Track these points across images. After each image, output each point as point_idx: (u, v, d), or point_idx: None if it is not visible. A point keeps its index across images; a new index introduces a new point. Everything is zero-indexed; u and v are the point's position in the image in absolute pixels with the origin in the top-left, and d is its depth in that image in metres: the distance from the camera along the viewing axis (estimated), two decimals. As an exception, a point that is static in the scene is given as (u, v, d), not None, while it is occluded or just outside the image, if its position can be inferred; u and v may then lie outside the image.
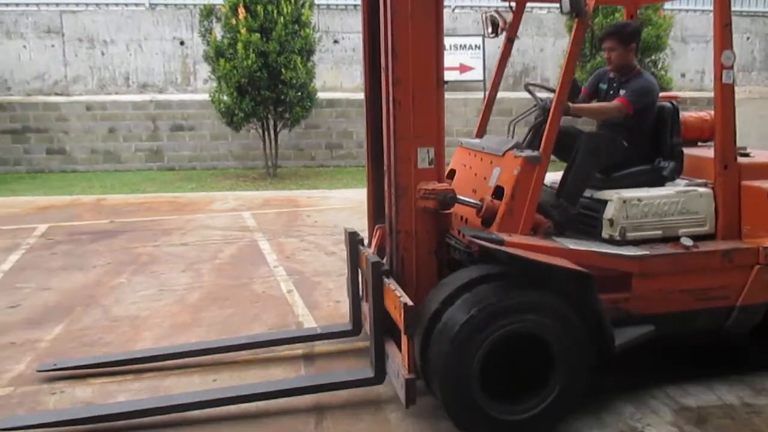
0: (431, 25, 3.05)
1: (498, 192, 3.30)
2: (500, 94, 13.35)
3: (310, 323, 4.36)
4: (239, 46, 9.33)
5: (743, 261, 3.39)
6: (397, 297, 2.84)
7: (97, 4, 11.62)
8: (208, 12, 10.05)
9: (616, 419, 3.15)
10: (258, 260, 5.93)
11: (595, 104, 3.89)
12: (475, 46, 12.08)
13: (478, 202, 3.30)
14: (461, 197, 3.24)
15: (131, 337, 4.17)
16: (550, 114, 3.23)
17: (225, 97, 9.83)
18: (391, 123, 3.07)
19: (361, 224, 5.15)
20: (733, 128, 3.48)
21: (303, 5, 9.89)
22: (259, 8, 9.41)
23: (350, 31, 12.11)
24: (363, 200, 8.46)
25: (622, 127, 3.73)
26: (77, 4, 11.56)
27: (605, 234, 3.40)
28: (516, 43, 13.98)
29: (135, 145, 11.48)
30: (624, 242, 3.37)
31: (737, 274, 3.40)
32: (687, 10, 12.83)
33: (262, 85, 9.63)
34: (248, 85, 9.57)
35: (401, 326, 2.80)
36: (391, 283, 3.02)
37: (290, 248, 6.32)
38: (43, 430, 2.98)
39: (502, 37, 4.06)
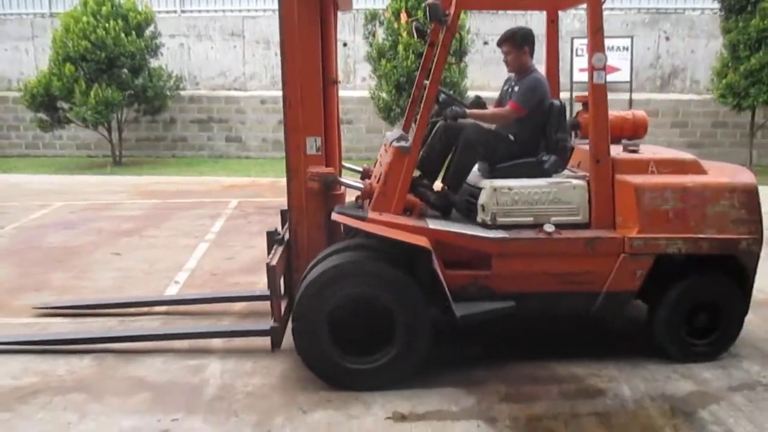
0: (315, 32, 3.55)
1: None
2: (647, 95, 13.69)
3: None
4: (400, 47, 10.29)
5: (608, 249, 3.60)
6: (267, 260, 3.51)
7: (273, 10, 13.08)
8: (372, 16, 11.12)
9: (742, 373, 3.62)
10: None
11: (489, 110, 4.09)
12: (623, 47, 12.26)
13: (360, 185, 3.81)
14: (343, 179, 3.80)
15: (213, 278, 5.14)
16: (421, 111, 3.62)
17: (383, 94, 10.83)
18: (287, 116, 3.58)
19: None
20: (605, 126, 3.68)
21: (459, 10, 10.65)
22: (420, 13, 10.29)
23: (499, 32, 12.69)
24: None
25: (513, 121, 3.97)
26: (257, 11, 13.12)
27: (479, 218, 3.71)
28: (666, 45, 13.85)
29: (300, 136, 12.83)
30: (495, 226, 3.65)
31: (602, 262, 3.61)
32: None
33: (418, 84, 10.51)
34: (406, 84, 10.50)
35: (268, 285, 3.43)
36: (277, 249, 3.68)
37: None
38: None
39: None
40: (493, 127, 4.07)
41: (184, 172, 11.18)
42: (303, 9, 3.48)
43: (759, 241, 3.66)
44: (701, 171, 3.79)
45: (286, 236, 3.90)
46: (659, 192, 3.60)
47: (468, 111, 3.85)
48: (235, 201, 8.57)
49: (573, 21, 12.67)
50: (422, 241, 3.35)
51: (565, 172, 3.96)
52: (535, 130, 3.95)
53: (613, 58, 12.29)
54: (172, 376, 3.58)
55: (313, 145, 3.61)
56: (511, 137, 3.98)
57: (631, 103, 12.25)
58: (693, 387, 3.49)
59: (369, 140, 12.76)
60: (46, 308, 4.57)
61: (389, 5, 10.63)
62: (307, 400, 3.32)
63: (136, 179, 10.46)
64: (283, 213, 4.39)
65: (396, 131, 4.27)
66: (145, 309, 4.60)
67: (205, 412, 3.21)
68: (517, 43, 4.02)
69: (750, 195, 3.64)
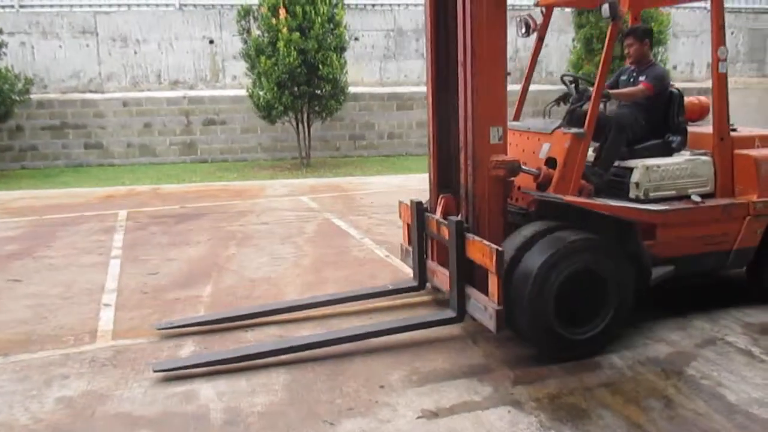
0: (501, 30, 3.76)
1: (549, 163, 4.08)
2: (511, 86, 14.67)
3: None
4: (280, 44, 10.04)
5: (737, 213, 4.26)
6: (486, 246, 3.55)
7: (128, 5, 12.17)
8: (245, 12, 10.72)
9: (700, 332, 4.03)
10: (342, 234, 6.70)
11: (625, 89, 4.57)
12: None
13: (536, 171, 4.08)
14: (524, 167, 4.00)
15: (278, 292, 4.90)
16: (592, 99, 4.01)
17: (263, 92, 10.50)
18: (469, 108, 3.77)
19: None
20: (726, 108, 4.34)
21: (336, 5, 10.63)
22: (298, 9, 10.13)
23: (370, 29, 12.88)
24: (402, 184, 9.44)
25: (640, 107, 4.53)
26: (110, 5, 12.09)
27: (632, 194, 4.17)
28: (522, 40, 14.78)
29: (170, 139, 12.08)
30: (647, 200, 4.14)
31: (733, 224, 4.27)
32: (678, 7, 13.90)
33: (301, 81, 10.36)
34: (288, 81, 10.28)
35: (493, 268, 3.47)
36: (474, 237, 3.72)
37: (364, 224, 7.10)
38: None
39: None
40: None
41: (44, 185, 10.05)
42: (491, 3, 3.68)
43: None
44: None
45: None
46: None
47: (609, 92, 4.26)
48: (123, 212, 7.86)
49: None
50: (634, 215, 3.93)
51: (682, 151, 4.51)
52: (659, 114, 4.51)
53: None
54: (164, 407, 3.22)
55: (495, 134, 3.78)
56: (642, 122, 4.45)
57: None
58: (668, 348, 3.81)
59: (245, 141, 12.33)
60: (171, 327, 4.17)
61: (265, 1, 10.31)
62: (327, 411, 3.15)
63: (-11, 196, 9.22)
64: (416, 204, 4.41)
65: (536, 120, 4.68)
66: (266, 319, 4.30)
67: (222, 440, 2.95)
68: (638, 36, 4.60)
69: None
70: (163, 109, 12.01)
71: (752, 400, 3.20)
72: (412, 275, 4.79)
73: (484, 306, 3.61)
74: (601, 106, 4.23)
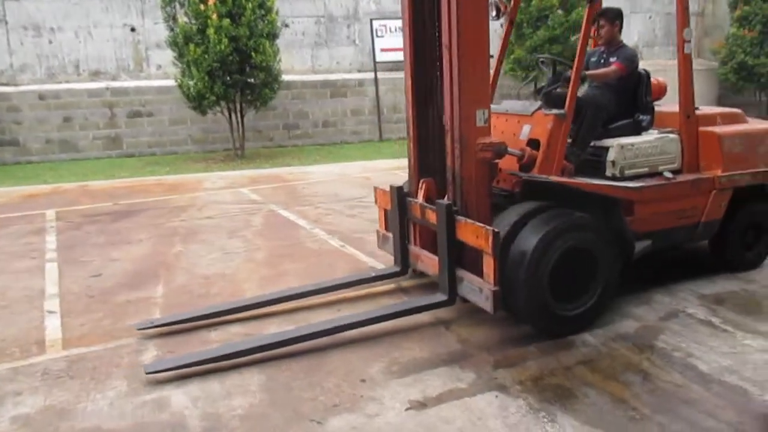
0: (485, 11, 3.77)
1: (532, 144, 4.13)
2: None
3: (380, 267, 5.07)
4: (210, 31, 9.65)
5: (704, 188, 4.47)
6: (481, 228, 3.55)
7: (40, -9, 11.37)
8: (171, -2, 10.23)
9: (661, 306, 4.16)
10: (291, 225, 6.52)
11: (600, 70, 4.69)
12: (418, 27, 12.93)
13: (520, 152, 4.11)
14: (509, 149, 4.01)
15: (235, 289, 4.70)
16: (572, 80, 4.08)
17: (193, 82, 10.08)
18: (455, 91, 3.72)
19: (357, 192, 5.90)
20: (692, 88, 4.52)
21: (267, -10, 10.32)
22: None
23: (299, 15, 12.58)
24: (343, 173, 9.32)
25: (610, 88, 4.66)
26: (20, -8, 11.26)
27: (609, 173, 4.29)
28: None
29: (92, 134, 11.44)
30: (623, 178, 4.28)
31: (701, 198, 4.47)
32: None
33: (233, 69, 10.02)
34: (220, 69, 9.91)
35: (489, 249, 3.47)
36: (465, 220, 3.70)
37: (312, 214, 6.94)
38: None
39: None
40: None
41: (-44, 186, 9.30)
42: None
43: None
44: (745, 120, 4.83)
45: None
46: (733, 138, 4.53)
47: (586, 73, 4.38)
48: (50, 212, 7.36)
49: (369, 3, 13.03)
50: (620, 193, 4.06)
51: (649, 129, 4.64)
52: (628, 94, 4.63)
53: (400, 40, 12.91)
54: (135, 418, 3.01)
55: (481, 117, 3.75)
56: (613, 102, 4.55)
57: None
58: (636, 323, 3.91)
59: (173, 133, 11.83)
60: (152, 327, 3.96)
61: (192, -14, 9.87)
62: (312, 409, 3.03)
63: None
64: (397, 189, 4.37)
65: (513, 102, 4.64)
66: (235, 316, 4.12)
67: (205, 448, 2.78)
68: (610, 18, 4.67)
69: None
70: (83, 102, 11.33)
71: (723, 369, 3.32)
72: (372, 264, 4.70)
73: (479, 288, 3.61)
74: None
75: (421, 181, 4.22)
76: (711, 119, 4.64)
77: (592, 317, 3.84)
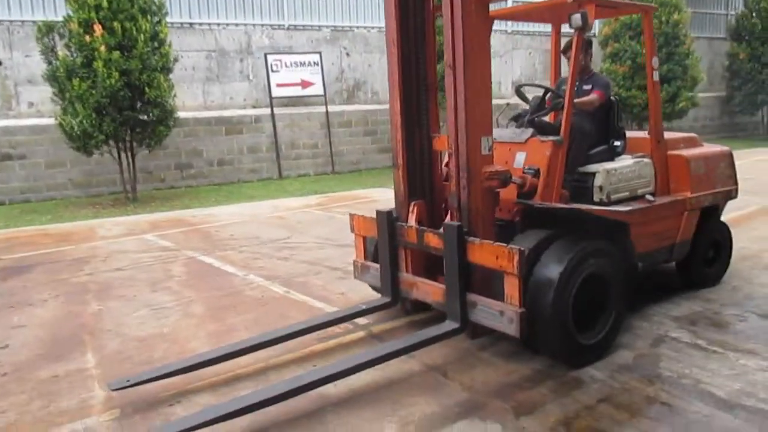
0: (487, 39, 3.73)
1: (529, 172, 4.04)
2: (340, 107, 15.11)
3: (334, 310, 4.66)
4: (99, 64, 8.80)
5: (680, 209, 4.62)
6: (503, 247, 3.34)
7: None
8: (48, 28, 9.25)
9: (644, 331, 4.11)
10: (219, 273, 5.91)
11: (585, 98, 4.66)
12: (314, 62, 12.72)
13: (520, 180, 4.01)
14: (512, 177, 3.92)
15: (182, 350, 4.08)
16: (566, 108, 4.08)
17: (78, 120, 9.10)
18: (462, 117, 3.60)
19: (278, 233, 5.59)
20: (661, 113, 4.72)
21: (159, 22, 9.63)
22: (116, 24, 8.98)
23: (189, 49, 11.91)
24: (254, 213, 8.78)
25: (587, 114, 4.73)
26: None
27: (596, 198, 4.30)
28: (347, 60, 15.02)
29: (-48, 181, 10.01)
30: (610, 203, 4.33)
31: (676, 220, 4.62)
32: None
33: (125, 105, 9.19)
34: (109, 106, 9.04)
35: (514, 270, 3.27)
36: (480, 240, 3.50)
37: (238, 260, 6.37)
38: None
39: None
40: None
41: None
42: (479, 19, 3.58)
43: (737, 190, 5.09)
44: (701, 144, 5.02)
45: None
46: (698, 161, 4.69)
47: (578, 100, 4.39)
48: None
49: (262, 37, 12.63)
50: (625, 217, 4.08)
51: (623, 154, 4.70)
52: (602, 120, 4.69)
53: (306, 73, 12.68)
54: None
55: (486, 145, 3.65)
56: (592, 128, 4.60)
57: (327, 115, 12.80)
58: (630, 353, 3.80)
59: (50, 177, 10.65)
60: (126, 386, 3.35)
61: (74, 16, 8.98)
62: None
63: None
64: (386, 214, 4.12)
65: (501, 130, 4.42)
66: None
67: None
68: (582, 47, 4.47)
69: (731, 157, 5.04)
70: (-60, 145, 9.91)
71: (738, 392, 3.26)
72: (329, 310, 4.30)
73: (500, 311, 3.36)
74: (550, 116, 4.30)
75: (413, 203, 4.00)
76: (675, 143, 4.76)
77: (607, 346, 3.74)
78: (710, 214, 4.86)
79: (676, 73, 14.29)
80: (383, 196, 9.65)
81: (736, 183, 5.03)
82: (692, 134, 5.14)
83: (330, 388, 3.38)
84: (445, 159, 4.39)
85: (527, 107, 4.69)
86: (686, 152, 4.70)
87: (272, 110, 12.38)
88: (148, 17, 9.38)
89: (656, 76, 4.68)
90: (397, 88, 3.99)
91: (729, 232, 5.14)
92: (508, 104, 5.15)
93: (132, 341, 4.28)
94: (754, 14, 17.25)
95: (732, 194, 5.01)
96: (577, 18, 3.94)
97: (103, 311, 4.92)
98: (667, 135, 4.84)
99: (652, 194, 4.53)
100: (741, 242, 5.97)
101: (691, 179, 4.60)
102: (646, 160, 4.59)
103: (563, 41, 4.87)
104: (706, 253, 4.88)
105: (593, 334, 3.69)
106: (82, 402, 3.41)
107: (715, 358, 3.70)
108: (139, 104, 9.43)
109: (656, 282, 5.05)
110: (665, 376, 3.49)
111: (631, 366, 3.63)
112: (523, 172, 4.05)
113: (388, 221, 4.09)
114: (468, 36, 3.51)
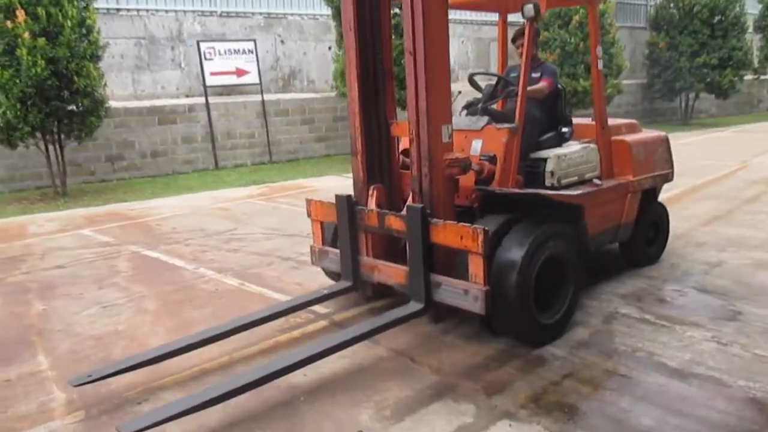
0: (446, 26, 3.77)
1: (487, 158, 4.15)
2: (276, 96, 14.94)
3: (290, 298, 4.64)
4: (23, 51, 8.33)
5: (624, 191, 4.87)
6: (467, 227, 3.42)
7: None
8: (-36, 14, 8.66)
9: (594, 309, 4.32)
10: (168, 267, 5.76)
11: (536, 86, 4.73)
12: (248, 50, 12.47)
13: (478, 167, 4.12)
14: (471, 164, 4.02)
15: (141, 347, 3.96)
16: (519, 95, 4.22)
17: (1, 111, 8.59)
18: (422, 105, 3.65)
19: (223, 225, 5.63)
20: (605, 100, 4.92)
21: (86, 8, 9.20)
22: (40, 10, 8.52)
23: (117, 36, 11.44)
24: (195, 205, 8.59)
25: (536, 102, 4.87)
26: None
27: (548, 182, 4.46)
28: (282, 48, 14.79)
29: None
30: (561, 187, 4.49)
31: (621, 202, 4.86)
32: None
33: (52, 95, 8.75)
34: (35, 95, 8.59)
35: (479, 249, 3.36)
36: (444, 222, 3.57)
37: (186, 253, 6.22)
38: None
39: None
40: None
41: None
42: (438, 5, 3.62)
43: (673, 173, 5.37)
44: (641, 129, 5.27)
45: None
46: (639, 146, 4.94)
47: (529, 88, 4.39)
48: None
49: (194, 24, 12.27)
50: (579, 200, 4.23)
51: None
52: (550, 108, 4.81)
53: (240, 61, 12.43)
54: None
55: (446, 132, 3.69)
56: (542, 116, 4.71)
57: (264, 104, 12.60)
58: (585, 330, 3.99)
59: (-31, 172, 10.02)
60: (89, 382, 3.25)
61: (-8, 0, 8.46)
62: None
63: None
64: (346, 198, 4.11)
65: (456, 118, 4.35)
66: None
67: None
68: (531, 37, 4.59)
69: (668, 142, 5.30)
70: None
71: (690, 362, 3.49)
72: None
73: (464, 290, 3.45)
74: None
75: (372, 187, 4.04)
76: (618, 129, 4.97)
77: (564, 324, 3.89)
78: (650, 196, 5.12)
79: (603, 61, 14.81)
80: (325, 185, 9.62)
81: (672, 167, 5.32)
82: (633, 120, 5.39)
83: (300, 378, 3.40)
84: (402, 145, 4.44)
85: (479, 96, 4.79)
86: (628, 138, 4.93)
87: (207, 99, 12.06)
88: (74, 2, 8.94)
89: (600, 65, 4.87)
90: (355, 75, 4.01)
91: (666, 213, 5.44)
92: (459, 92, 5.25)
93: (86, 340, 4.13)
94: (672, 5, 18.09)
95: (669, 177, 5.29)
96: (529, 8, 4.06)
97: (49, 311, 4.71)
98: (610, 121, 5.06)
99: (599, 178, 4.72)
100: (674, 221, 6.32)
101: (634, 163, 4.83)
102: (592, 145, 4.77)
103: (510, 31, 5.01)
104: (647, 233, 5.15)
105: (552, 314, 3.84)
106: (42, 405, 3.28)
107: (663, 331, 3.93)
108: (67, 94, 8.99)
109: (601, 263, 5.29)
110: (621, 350, 3.68)
111: (588, 342, 3.80)
112: (480, 159, 4.16)
113: (348, 205, 4.10)
114: (428, 22, 3.54)
